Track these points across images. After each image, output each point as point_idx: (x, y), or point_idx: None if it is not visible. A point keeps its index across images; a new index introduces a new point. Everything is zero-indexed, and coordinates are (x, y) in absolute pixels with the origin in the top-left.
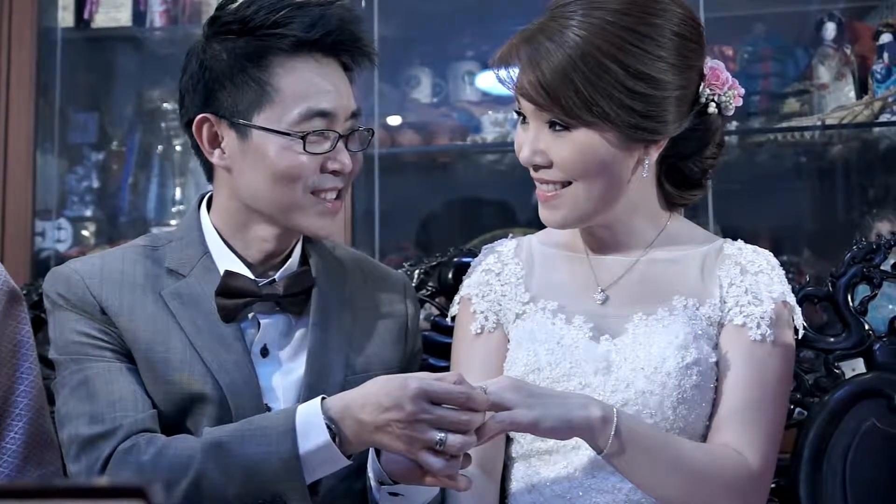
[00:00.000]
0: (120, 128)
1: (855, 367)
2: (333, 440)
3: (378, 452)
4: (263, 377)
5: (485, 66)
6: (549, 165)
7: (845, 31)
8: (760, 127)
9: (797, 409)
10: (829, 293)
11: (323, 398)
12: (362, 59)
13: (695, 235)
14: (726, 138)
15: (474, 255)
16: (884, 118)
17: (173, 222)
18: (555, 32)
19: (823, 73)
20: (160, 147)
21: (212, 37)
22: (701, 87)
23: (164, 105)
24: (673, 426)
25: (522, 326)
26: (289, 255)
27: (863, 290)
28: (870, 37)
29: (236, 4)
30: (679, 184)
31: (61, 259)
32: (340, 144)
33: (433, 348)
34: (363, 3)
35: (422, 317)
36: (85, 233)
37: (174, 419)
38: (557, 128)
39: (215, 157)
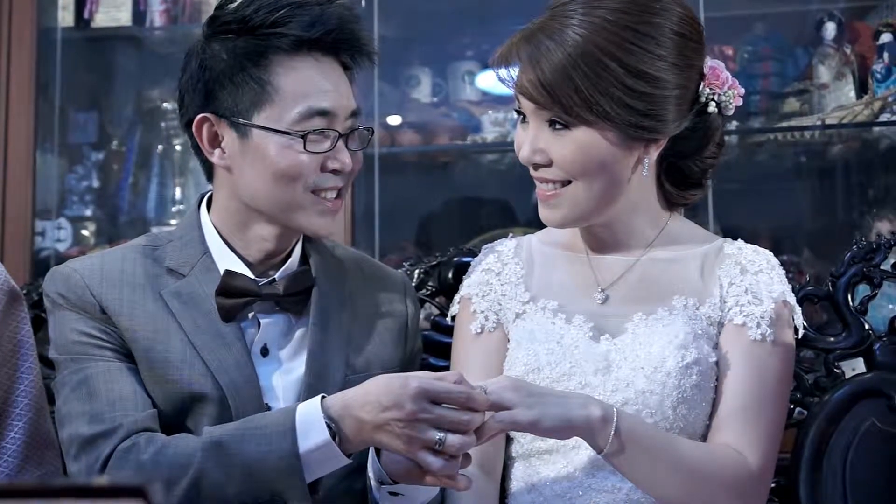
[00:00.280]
0: (120, 127)
1: (855, 367)
2: (333, 439)
3: (378, 452)
4: (263, 377)
5: (485, 66)
6: (549, 164)
7: (845, 31)
8: (760, 127)
9: (797, 409)
10: (829, 293)
11: (323, 397)
12: (362, 58)
13: (695, 235)
14: (726, 138)
15: (474, 255)
16: (884, 118)
17: (173, 222)
18: (555, 31)
19: (823, 73)
20: (160, 147)
21: (211, 36)
22: (701, 87)
23: (164, 105)
24: (673, 426)
25: (522, 326)
26: (289, 255)
27: (863, 289)
28: (870, 36)
29: (236, 4)
30: (679, 183)
31: (61, 259)
32: (340, 143)
33: (433, 348)
34: (363, 3)
35: (422, 316)
36: (85, 232)
37: (174, 418)
38: (557, 126)
39: (215, 157)
